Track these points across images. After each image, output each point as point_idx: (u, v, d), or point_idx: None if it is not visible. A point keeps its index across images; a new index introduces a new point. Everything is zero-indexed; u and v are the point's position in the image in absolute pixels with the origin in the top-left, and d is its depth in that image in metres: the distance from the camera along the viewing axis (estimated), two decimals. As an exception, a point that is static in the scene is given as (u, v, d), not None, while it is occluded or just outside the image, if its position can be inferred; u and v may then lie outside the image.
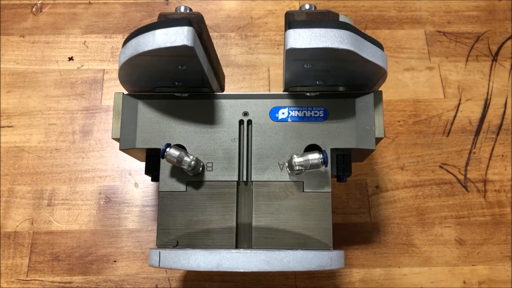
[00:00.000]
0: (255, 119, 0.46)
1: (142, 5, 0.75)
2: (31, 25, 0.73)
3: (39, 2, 0.75)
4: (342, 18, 0.43)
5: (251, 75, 0.70)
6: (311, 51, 0.39)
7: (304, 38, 0.38)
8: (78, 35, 0.73)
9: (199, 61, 0.41)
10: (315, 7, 0.44)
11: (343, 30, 0.38)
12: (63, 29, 0.73)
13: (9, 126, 0.66)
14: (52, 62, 0.71)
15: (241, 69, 0.70)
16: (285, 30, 0.39)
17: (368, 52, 0.40)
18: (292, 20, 0.41)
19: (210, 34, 0.72)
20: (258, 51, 0.71)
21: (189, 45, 0.38)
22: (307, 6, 0.44)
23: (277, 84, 0.69)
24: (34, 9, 0.75)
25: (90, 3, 0.75)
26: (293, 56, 0.40)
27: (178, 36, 0.38)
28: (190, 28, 0.38)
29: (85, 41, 0.72)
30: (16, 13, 0.74)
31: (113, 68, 0.70)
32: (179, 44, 0.38)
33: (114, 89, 0.69)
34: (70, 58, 0.71)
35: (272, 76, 0.70)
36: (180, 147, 0.45)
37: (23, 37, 0.73)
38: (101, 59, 0.71)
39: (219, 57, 0.69)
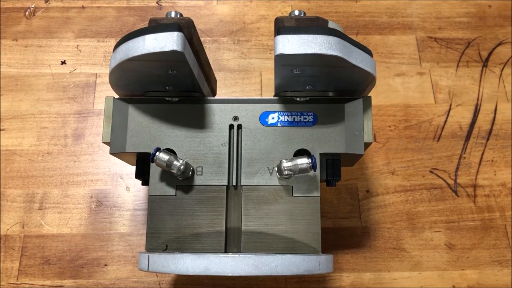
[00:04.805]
0: (245, 124, 0.47)
1: (135, 9, 0.75)
2: (24, 28, 0.74)
3: (32, 6, 0.75)
4: (331, 25, 0.44)
5: (243, 80, 0.70)
6: (299, 57, 0.39)
7: (292, 44, 0.38)
8: (71, 39, 0.73)
9: (189, 66, 0.41)
10: (304, 13, 0.44)
11: (331, 36, 0.39)
12: (56, 33, 0.73)
13: (1, 129, 0.66)
14: (44, 65, 0.71)
15: (233, 74, 0.71)
16: (275, 36, 0.40)
17: (357, 58, 0.41)
18: (281, 26, 0.41)
19: (203, 38, 0.72)
20: (250, 55, 0.72)
21: (179, 50, 0.38)
22: (296, 12, 0.44)
23: (269, 89, 0.69)
24: (27, 13, 0.75)
25: (83, 7, 0.75)
26: (282, 61, 0.40)
27: (168, 41, 0.38)
28: (180, 34, 0.39)
29: (78, 45, 0.72)
30: (9, 16, 0.74)
31: (106, 72, 0.70)
32: (169, 49, 0.38)
33: (106, 93, 0.69)
34: (63, 62, 0.71)
35: (264, 80, 0.70)
36: (170, 151, 0.46)
37: (16, 40, 0.73)
38: (93, 63, 0.71)
39: (211, 62, 0.69)
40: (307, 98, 0.47)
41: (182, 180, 0.45)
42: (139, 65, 0.41)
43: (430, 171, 0.65)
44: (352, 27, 0.74)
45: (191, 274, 0.39)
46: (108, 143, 0.47)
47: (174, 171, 0.43)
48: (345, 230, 0.62)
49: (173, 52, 0.38)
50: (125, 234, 0.61)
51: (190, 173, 0.45)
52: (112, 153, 0.46)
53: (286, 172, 0.43)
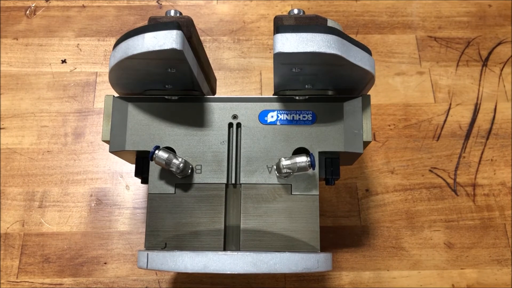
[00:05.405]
0: (244, 122, 0.47)
1: (136, 8, 0.75)
2: (24, 27, 0.74)
3: (33, 5, 0.75)
4: (330, 23, 0.44)
5: (243, 79, 0.70)
6: (298, 55, 0.39)
7: (291, 43, 0.38)
8: (71, 38, 0.73)
9: (188, 65, 0.41)
10: (303, 12, 0.44)
11: (330, 35, 0.39)
12: (57, 32, 0.73)
13: (1, 128, 0.67)
14: (45, 64, 0.71)
15: (233, 73, 0.71)
16: (274, 35, 0.40)
17: (355, 57, 0.41)
18: (280, 25, 0.41)
19: (203, 38, 0.72)
20: (250, 55, 0.72)
21: (178, 49, 0.38)
22: (295, 11, 0.44)
23: (269, 88, 0.70)
24: (28, 12, 0.75)
25: (83, 6, 0.75)
26: (281, 60, 0.40)
27: (167, 40, 0.38)
28: (179, 32, 0.39)
29: (78, 44, 0.73)
30: (10, 15, 0.74)
31: (106, 71, 0.71)
32: (168, 48, 0.38)
33: (106, 91, 0.69)
34: (63, 61, 0.71)
35: (264, 79, 0.70)
36: (169, 149, 0.46)
37: (17, 39, 0.73)
38: (94, 62, 0.71)
39: (211, 61, 0.70)
40: (306, 97, 0.47)
41: (181, 178, 0.45)
42: (138, 64, 0.41)
43: (430, 170, 0.65)
44: (352, 26, 0.74)
45: (190, 271, 0.39)
46: (107, 141, 0.47)
47: (173, 169, 0.43)
48: (344, 229, 0.62)
49: (172, 50, 0.38)
50: (124, 233, 0.61)
51: (189, 171, 0.45)
52: (112, 151, 0.47)
53: (285, 171, 0.43)
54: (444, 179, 0.65)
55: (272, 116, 0.47)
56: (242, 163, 0.46)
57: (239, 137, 0.47)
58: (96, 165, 0.65)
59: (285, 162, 0.43)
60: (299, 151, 0.46)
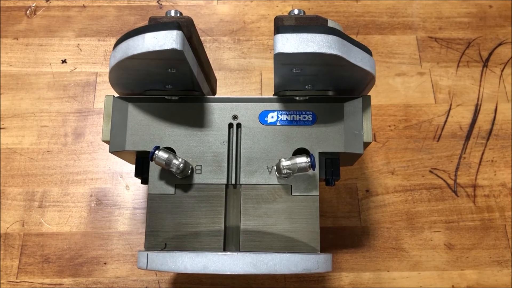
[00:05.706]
0: (244, 123, 0.47)
1: (136, 8, 0.75)
2: (25, 27, 0.74)
3: (33, 5, 0.75)
4: (330, 24, 0.44)
5: (244, 79, 0.70)
6: (298, 56, 0.39)
7: (292, 43, 0.38)
8: (71, 38, 0.73)
9: (188, 65, 0.41)
10: (304, 12, 0.44)
11: (330, 35, 0.39)
12: (57, 32, 0.73)
13: (1, 128, 0.67)
14: (45, 64, 0.71)
15: (234, 73, 0.71)
16: (274, 35, 0.40)
17: (356, 57, 0.41)
18: (281, 25, 0.41)
19: (203, 38, 0.72)
20: (250, 55, 0.72)
21: (178, 49, 0.38)
22: (296, 11, 0.44)
23: (269, 88, 0.69)
24: (28, 12, 0.75)
25: (84, 6, 0.75)
26: (281, 60, 0.40)
27: (167, 40, 0.38)
28: (179, 32, 0.39)
29: (78, 44, 0.73)
30: (10, 15, 0.74)
31: (106, 71, 0.71)
32: (168, 48, 0.38)
33: (107, 92, 0.69)
34: (63, 61, 0.71)
35: (264, 80, 0.70)
36: (169, 150, 0.46)
37: (17, 39, 0.73)
38: (94, 62, 0.71)
39: (211, 61, 0.70)
40: (307, 97, 0.47)
41: (181, 179, 0.45)
42: (138, 64, 0.41)
43: (430, 171, 0.65)
44: (353, 27, 0.74)
45: (189, 272, 0.39)
46: (107, 141, 0.47)
47: (173, 170, 0.43)
48: (344, 230, 0.62)
49: (172, 50, 0.38)
50: (124, 233, 0.61)
51: (189, 171, 0.45)
52: (112, 151, 0.47)
53: (285, 171, 0.43)
54: (444, 180, 0.64)
55: (272, 117, 0.47)
56: (242, 164, 0.46)
57: (239, 138, 0.47)
58: (96, 165, 0.65)
59: (285, 163, 0.43)
60: (299, 152, 0.46)
